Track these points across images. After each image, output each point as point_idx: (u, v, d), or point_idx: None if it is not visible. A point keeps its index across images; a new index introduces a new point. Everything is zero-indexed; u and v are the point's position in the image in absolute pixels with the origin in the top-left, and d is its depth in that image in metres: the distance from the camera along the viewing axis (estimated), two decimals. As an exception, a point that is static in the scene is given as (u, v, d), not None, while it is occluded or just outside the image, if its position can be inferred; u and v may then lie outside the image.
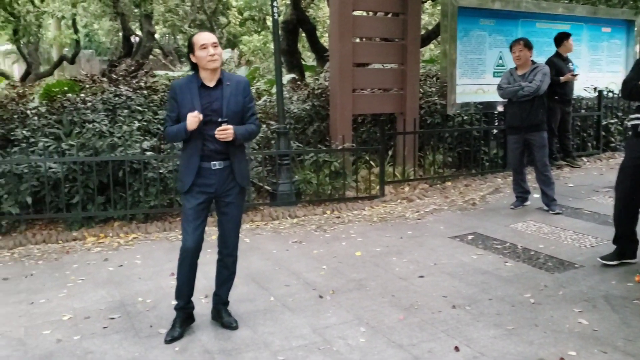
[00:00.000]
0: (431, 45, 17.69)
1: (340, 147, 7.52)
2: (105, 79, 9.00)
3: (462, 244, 5.63)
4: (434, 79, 9.81)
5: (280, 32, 8.66)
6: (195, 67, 3.70)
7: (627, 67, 10.43)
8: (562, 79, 8.29)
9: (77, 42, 18.20)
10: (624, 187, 4.73)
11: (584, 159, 9.62)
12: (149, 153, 6.59)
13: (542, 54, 8.81)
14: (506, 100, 6.84)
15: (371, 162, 8.02)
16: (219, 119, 3.59)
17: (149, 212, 6.59)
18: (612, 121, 10.27)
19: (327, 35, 16.71)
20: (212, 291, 4.03)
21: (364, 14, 10.13)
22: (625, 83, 4.73)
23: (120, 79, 8.68)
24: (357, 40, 8.44)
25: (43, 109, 7.53)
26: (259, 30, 23.59)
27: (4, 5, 10.41)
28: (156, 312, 4.19)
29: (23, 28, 13.55)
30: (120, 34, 18.80)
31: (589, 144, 10.02)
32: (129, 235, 6.17)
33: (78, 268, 5.21)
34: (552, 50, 8.75)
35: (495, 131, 9.10)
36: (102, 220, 6.51)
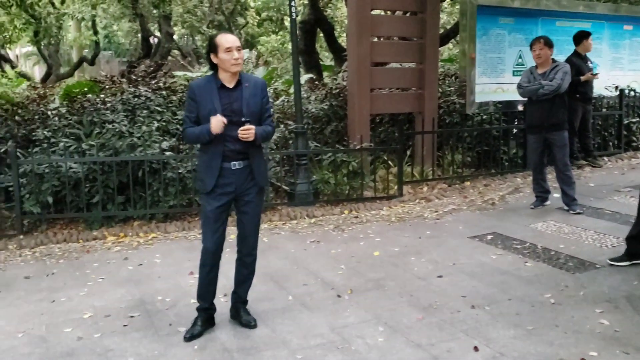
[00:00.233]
0: (450, 45, 17.60)
1: (358, 147, 7.51)
2: (124, 80, 9.07)
3: (481, 244, 5.60)
4: (453, 78, 9.75)
5: (298, 32, 8.67)
6: (214, 67, 3.71)
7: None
8: (582, 78, 8.19)
9: (97, 43, 18.39)
10: None
11: (605, 158, 9.50)
12: (168, 153, 6.63)
13: (562, 52, 8.71)
14: (526, 99, 6.78)
15: (389, 162, 8.00)
16: (242, 119, 3.61)
17: (168, 212, 6.64)
18: (633, 120, 10.13)
19: (345, 35, 16.70)
20: (231, 290, 4.04)
21: (382, 13, 10.10)
22: None
23: (139, 79, 8.74)
24: (375, 39, 8.42)
25: (63, 110, 7.61)
26: (277, 30, 23.66)
27: (25, 8, 10.54)
28: (175, 310, 4.22)
29: (44, 30, 13.72)
30: (139, 35, 18.97)
31: (610, 144, 9.89)
32: (148, 234, 6.22)
33: (98, 267, 5.26)
34: (572, 48, 8.65)
35: (515, 130, 9.03)
36: (122, 220, 6.57)
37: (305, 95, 9.09)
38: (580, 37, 8.56)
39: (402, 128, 7.87)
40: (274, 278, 4.82)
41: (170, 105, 7.79)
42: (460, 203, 7.24)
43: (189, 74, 12.62)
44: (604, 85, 9.82)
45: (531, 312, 4.00)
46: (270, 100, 9.37)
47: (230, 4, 21.48)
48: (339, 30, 18.87)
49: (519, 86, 6.64)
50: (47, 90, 10.00)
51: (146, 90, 7.87)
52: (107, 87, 8.55)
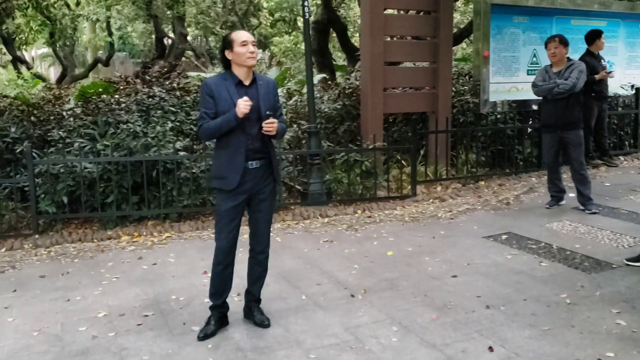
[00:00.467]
0: (463, 44, 17.51)
1: (371, 147, 7.49)
2: (138, 81, 9.12)
3: (495, 244, 5.56)
4: (467, 77, 9.71)
5: (311, 32, 8.67)
6: (228, 65, 3.72)
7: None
8: (596, 77, 8.11)
9: (111, 44, 18.54)
10: None
11: (621, 157, 9.41)
12: (182, 153, 6.66)
13: (577, 51, 8.63)
14: (540, 98, 6.72)
15: (403, 162, 7.97)
16: (266, 112, 3.63)
17: (182, 212, 6.66)
18: (650, 119, 10.02)
19: (358, 35, 16.67)
20: (244, 289, 4.05)
21: (395, 12, 10.07)
22: None
23: (153, 80, 8.78)
24: (388, 38, 8.39)
25: (78, 110, 7.67)
26: (290, 31, 23.68)
27: (41, 10, 10.64)
28: (189, 309, 4.23)
29: (59, 31, 13.85)
30: (154, 36, 19.09)
31: (626, 143, 9.79)
32: (162, 234, 6.24)
33: (113, 266, 5.29)
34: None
35: (529, 130, 8.96)
36: (136, 220, 6.60)
37: (318, 95, 9.09)
38: (593, 36, 8.49)
39: (415, 127, 7.84)
40: (287, 277, 4.82)
41: (184, 105, 7.81)
42: (474, 203, 7.20)
43: (203, 75, 12.67)
44: (619, 83, 9.72)
45: (547, 312, 3.96)
46: (284, 100, 9.42)
47: (243, 5, 21.52)
48: (351, 30, 18.83)
49: (534, 85, 6.59)
50: (63, 91, 10.09)
51: (160, 91, 7.90)
52: (121, 87, 8.60)
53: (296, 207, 7.10)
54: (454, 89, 8.90)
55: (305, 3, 7.19)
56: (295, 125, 8.08)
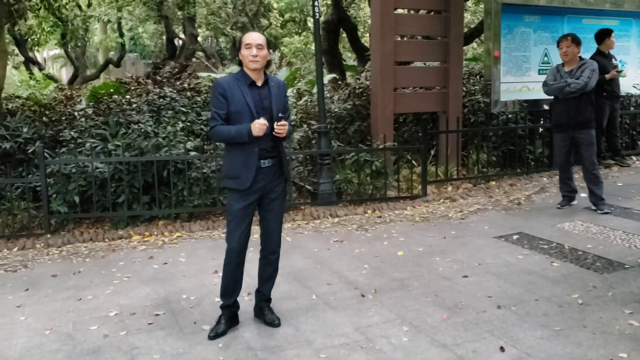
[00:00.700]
0: (474, 44, 17.46)
1: (381, 147, 7.48)
2: (149, 81, 9.17)
3: (507, 244, 5.53)
4: (478, 77, 9.67)
5: (321, 32, 8.66)
6: (242, 64, 3.75)
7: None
8: (607, 76, 8.05)
9: (123, 45, 18.64)
10: None
11: (633, 157, 9.33)
12: (192, 153, 6.68)
13: (589, 50, 8.58)
14: (552, 97, 6.68)
15: (413, 162, 7.95)
16: (279, 115, 3.65)
17: (193, 211, 6.68)
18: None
19: (368, 35, 16.65)
20: (254, 289, 4.05)
21: (406, 12, 10.05)
22: None
23: (164, 80, 8.83)
24: (399, 38, 8.37)
25: (90, 111, 7.72)
26: (300, 31, 23.70)
27: (53, 11, 10.71)
28: (200, 308, 4.24)
29: (71, 32, 13.94)
30: (164, 37, 19.17)
31: (639, 142, 9.70)
32: (173, 233, 6.26)
33: (124, 265, 5.32)
34: (600, 46, 8.52)
35: (540, 129, 8.91)
36: (147, 219, 6.63)
37: (328, 95, 9.09)
38: (603, 35, 8.43)
39: (426, 127, 7.81)
40: (297, 277, 4.82)
41: (194, 106, 7.84)
42: (485, 203, 7.16)
43: (213, 75, 12.70)
44: (632, 83, 9.64)
45: (558, 312, 3.93)
46: (294, 100, 9.43)
47: (253, 6, 21.57)
48: (362, 30, 18.82)
49: (545, 84, 6.56)
50: (74, 92, 10.15)
51: (171, 91, 7.94)
52: (132, 88, 8.65)
53: (306, 207, 7.10)
54: (464, 88, 8.87)
55: (316, 3, 7.19)
56: (305, 125, 8.08)
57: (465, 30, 10.98)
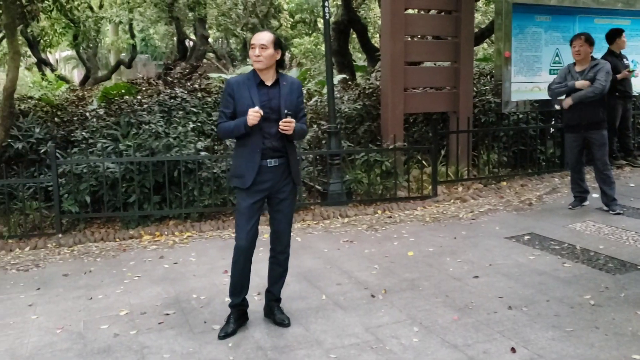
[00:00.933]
0: (484, 45, 17.38)
1: (391, 147, 7.46)
2: (160, 82, 9.20)
3: (518, 245, 5.50)
4: (488, 77, 9.63)
5: (331, 32, 8.66)
6: None
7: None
8: (618, 76, 7.99)
9: (134, 46, 18.72)
10: None
11: (646, 158, 9.25)
12: (203, 153, 6.70)
13: (600, 50, 8.52)
14: (562, 97, 6.62)
15: (423, 162, 7.93)
16: (285, 111, 3.64)
17: (203, 211, 6.70)
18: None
19: (378, 35, 16.64)
20: (264, 289, 4.05)
21: (416, 12, 10.03)
22: None
23: (175, 81, 8.86)
24: (409, 38, 8.35)
25: (101, 111, 7.76)
26: (310, 32, 23.71)
27: (65, 12, 10.78)
28: (210, 308, 4.25)
29: (82, 33, 14.02)
30: (175, 38, 19.23)
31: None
32: (183, 233, 6.28)
33: (135, 265, 5.34)
34: (612, 46, 8.46)
35: (552, 130, 8.86)
36: (157, 219, 6.66)
37: (338, 95, 9.08)
38: (613, 35, 8.37)
39: (436, 127, 7.79)
40: (307, 277, 4.82)
41: (205, 106, 7.87)
42: (496, 203, 7.13)
43: (224, 76, 12.74)
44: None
45: (570, 313, 3.90)
46: (304, 100, 9.43)
47: (264, 7, 21.61)
48: (372, 31, 18.80)
49: (549, 88, 6.54)
50: (86, 93, 10.21)
51: (182, 92, 7.97)
52: (143, 88, 8.68)
53: (316, 207, 7.10)
54: (475, 88, 8.83)
55: (326, 4, 7.19)
56: (315, 126, 8.08)
57: (476, 30, 10.93)
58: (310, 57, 21.78)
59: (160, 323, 4.03)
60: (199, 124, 7.44)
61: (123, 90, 8.82)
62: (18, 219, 6.41)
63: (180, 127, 6.98)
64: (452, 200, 7.34)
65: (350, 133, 8.51)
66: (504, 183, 8.09)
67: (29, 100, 8.61)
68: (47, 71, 17.55)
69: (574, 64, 6.45)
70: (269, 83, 3.72)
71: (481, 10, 17.92)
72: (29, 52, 16.36)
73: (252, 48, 3.66)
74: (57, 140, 7.14)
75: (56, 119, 7.75)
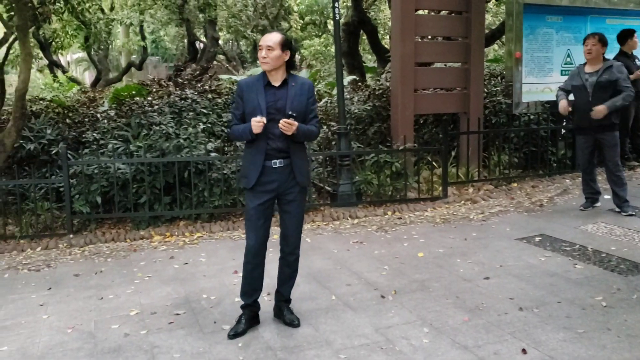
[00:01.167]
0: (495, 46, 17.32)
1: (401, 148, 7.44)
2: (171, 83, 9.24)
3: (529, 246, 5.47)
4: (499, 78, 9.59)
5: (341, 34, 8.66)
6: None
7: None
8: (631, 77, 7.92)
9: (145, 48, 18.82)
10: None
11: (659, 159, 9.18)
12: (213, 154, 6.72)
13: (612, 51, 8.45)
14: (573, 98, 6.57)
15: (433, 163, 7.90)
16: (288, 112, 3.62)
17: (213, 212, 6.71)
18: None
19: (388, 37, 16.61)
20: (274, 289, 4.05)
21: (426, 12, 10.00)
22: None
23: (185, 83, 8.89)
24: (419, 39, 8.33)
25: (112, 113, 7.80)
26: (320, 34, 23.72)
27: (76, 14, 10.85)
28: (220, 308, 4.25)
29: (93, 35, 14.10)
30: (186, 40, 19.32)
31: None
32: (194, 234, 6.30)
33: (145, 265, 5.35)
34: (624, 47, 8.39)
35: (563, 131, 8.81)
36: (168, 220, 6.68)
37: (348, 96, 9.08)
38: (625, 36, 8.31)
39: (446, 128, 7.75)
40: (317, 278, 4.82)
41: (215, 107, 7.90)
42: (507, 204, 7.09)
43: (234, 77, 12.77)
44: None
45: (582, 315, 3.88)
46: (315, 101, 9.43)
47: (274, 9, 21.64)
48: (382, 32, 18.78)
49: (556, 95, 6.53)
50: (97, 94, 10.27)
51: (192, 93, 8.00)
52: (154, 90, 8.72)
53: (326, 208, 7.09)
54: (485, 89, 8.80)
55: (336, 5, 7.19)
56: (325, 127, 8.08)
57: (486, 31, 10.89)
58: (320, 59, 21.80)
59: (170, 323, 4.04)
60: (209, 125, 7.46)
61: (134, 92, 8.86)
62: (30, 220, 6.45)
63: (191, 128, 7.00)
64: (462, 202, 7.31)
65: (360, 134, 8.50)
66: (515, 184, 8.05)
67: (41, 101, 8.68)
68: (59, 73, 17.67)
69: (584, 64, 6.40)
70: (276, 84, 3.72)
71: (492, 11, 17.86)
72: (41, 54, 16.49)
73: (260, 49, 3.68)
74: (68, 141, 7.18)
75: (67, 120, 7.80)
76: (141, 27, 17.84)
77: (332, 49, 16.05)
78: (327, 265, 5.13)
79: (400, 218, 6.73)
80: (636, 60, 8.40)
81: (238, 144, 7.08)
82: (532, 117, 8.67)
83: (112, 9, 16.23)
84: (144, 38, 18.55)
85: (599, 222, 6.10)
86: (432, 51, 8.42)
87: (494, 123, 8.58)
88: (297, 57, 23.78)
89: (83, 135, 7.27)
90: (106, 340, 3.81)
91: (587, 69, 6.33)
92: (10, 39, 7.03)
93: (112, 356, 3.59)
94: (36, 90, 13.18)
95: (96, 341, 3.80)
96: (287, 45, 3.69)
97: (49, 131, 7.21)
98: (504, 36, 10.73)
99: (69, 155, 6.49)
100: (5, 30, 6.88)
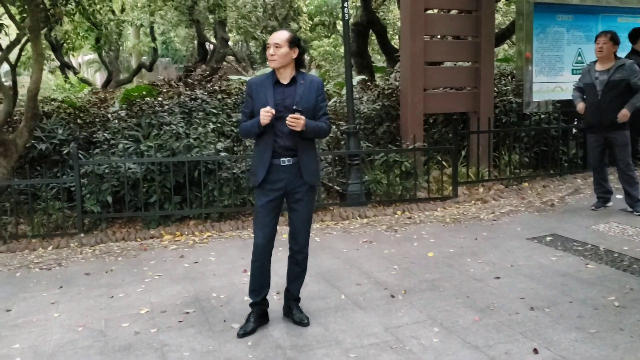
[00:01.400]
0: (505, 46, 17.23)
1: (411, 147, 7.42)
2: (181, 84, 9.27)
3: (540, 246, 5.43)
4: (509, 77, 9.55)
5: (350, 34, 8.66)
6: None
7: None
8: None
9: (155, 50, 18.90)
10: None
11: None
12: (223, 154, 6.72)
13: (624, 49, 8.38)
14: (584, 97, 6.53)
15: (443, 163, 7.88)
16: (294, 107, 3.61)
17: (223, 211, 6.72)
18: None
19: (397, 37, 16.58)
20: (283, 288, 4.05)
21: (436, 12, 9.98)
22: None
23: (195, 83, 8.92)
24: (428, 38, 8.31)
25: (123, 113, 7.84)
26: (329, 34, 23.71)
27: (88, 16, 10.92)
28: (229, 307, 4.26)
29: (104, 37, 14.18)
30: (196, 41, 19.38)
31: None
32: (203, 233, 6.31)
33: (155, 264, 5.37)
34: (636, 46, 8.33)
35: (574, 130, 8.75)
36: (178, 219, 6.69)
37: (357, 96, 9.07)
38: (637, 34, 8.24)
39: (456, 127, 7.73)
40: (326, 277, 4.81)
41: (225, 107, 7.91)
42: (517, 204, 7.06)
43: (244, 78, 12.80)
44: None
45: (594, 314, 3.85)
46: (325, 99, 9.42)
47: (283, 10, 21.66)
48: (391, 32, 18.74)
49: (573, 95, 6.49)
50: (108, 95, 10.32)
51: (202, 93, 8.02)
52: (164, 90, 8.75)
53: (335, 207, 7.08)
54: (495, 89, 8.76)
55: (345, 4, 7.18)
56: (334, 126, 8.07)
57: (496, 31, 10.84)
58: (329, 59, 21.79)
59: (180, 321, 4.05)
60: (219, 125, 7.47)
61: (144, 92, 8.89)
62: (41, 219, 6.49)
63: (201, 128, 7.02)
64: (472, 201, 7.28)
65: (369, 134, 8.49)
66: (526, 184, 8.01)
67: (52, 102, 8.73)
68: (70, 74, 17.78)
69: (595, 62, 6.36)
70: (285, 82, 3.72)
71: (502, 10, 17.78)
72: (53, 56, 16.59)
73: (268, 47, 3.68)
74: (79, 141, 7.22)
75: (79, 121, 7.85)
76: (151, 28, 17.92)
77: (341, 50, 16.03)
78: (337, 265, 5.12)
79: (410, 218, 6.71)
80: None
81: (247, 143, 7.09)
82: (542, 116, 8.62)
83: (122, 10, 16.29)
84: (154, 39, 18.62)
85: (611, 222, 6.05)
86: (442, 50, 8.40)
87: (504, 122, 8.54)
88: (307, 57, 23.79)
89: (94, 135, 7.31)
90: (117, 338, 3.83)
91: (598, 67, 6.29)
92: (23, 40, 7.06)
93: (123, 354, 3.60)
94: (48, 92, 13.26)
95: (107, 339, 3.82)
96: (295, 42, 3.68)
97: (60, 131, 7.25)
98: (514, 36, 10.66)
99: (80, 155, 6.51)
100: (17, 31, 6.91)
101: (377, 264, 5.12)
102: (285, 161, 3.71)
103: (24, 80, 13.71)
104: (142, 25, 16.41)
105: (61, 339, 3.86)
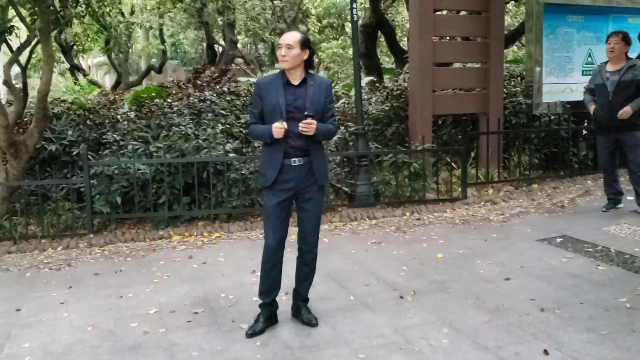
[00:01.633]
0: (514, 47, 17.18)
1: (420, 148, 7.40)
2: (190, 85, 9.30)
3: (550, 247, 5.40)
4: (518, 78, 9.50)
5: (359, 35, 8.64)
6: None
7: None
8: None
9: (164, 52, 18.95)
10: None
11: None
12: (231, 155, 6.73)
13: (635, 50, 8.33)
14: (595, 98, 6.49)
15: (452, 164, 7.85)
16: (305, 113, 3.61)
17: (232, 212, 6.72)
18: None
19: (406, 38, 16.56)
20: (292, 288, 4.04)
21: (445, 13, 9.95)
22: None
23: (204, 84, 8.94)
24: (438, 39, 8.29)
25: (132, 114, 7.86)
26: (337, 36, 23.71)
27: (97, 18, 10.98)
28: (238, 307, 4.26)
29: (114, 39, 14.24)
30: (204, 43, 19.43)
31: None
32: (212, 234, 6.31)
33: (164, 265, 5.38)
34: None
35: (584, 131, 8.70)
36: (187, 220, 6.70)
37: (365, 97, 9.05)
38: None
39: (466, 128, 7.70)
40: (335, 278, 4.80)
41: (234, 108, 7.93)
42: (527, 206, 7.02)
43: (252, 80, 12.82)
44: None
45: (605, 316, 3.81)
46: (333, 100, 9.42)
47: (292, 12, 21.69)
48: (399, 34, 18.72)
49: (584, 98, 6.45)
50: (117, 96, 10.35)
51: (211, 95, 8.03)
52: (173, 92, 8.77)
53: (343, 208, 7.07)
54: (505, 90, 8.72)
55: (354, 6, 7.18)
56: (342, 127, 8.07)
57: (505, 32, 10.80)
58: (338, 61, 21.79)
59: (189, 321, 4.05)
60: (228, 126, 7.48)
61: (153, 94, 8.91)
62: (51, 219, 6.51)
63: (210, 129, 7.03)
64: (482, 203, 7.25)
65: (378, 135, 8.47)
66: (535, 185, 7.97)
67: (62, 103, 8.76)
68: (80, 76, 17.86)
69: (605, 63, 6.32)
70: (295, 83, 3.72)
71: (511, 12, 17.72)
72: (62, 58, 16.67)
73: (279, 48, 3.68)
74: (89, 142, 7.24)
75: (88, 122, 7.87)
76: (161, 30, 17.96)
77: (350, 51, 16.04)
78: (345, 266, 5.11)
79: (419, 219, 6.69)
80: None
81: (256, 144, 7.09)
82: (552, 117, 8.58)
83: (132, 12, 16.35)
84: (163, 41, 18.67)
85: (622, 223, 6.01)
86: (451, 51, 8.37)
87: (513, 124, 8.50)
88: (315, 59, 23.80)
89: (103, 137, 7.33)
90: (126, 338, 3.83)
91: (609, 67, 6.25)
92: (33, 42, 7.10)
93: (132, 354, 3.60)
94: (58, 94, 13.31)
95: (116, 339, 3.82)
96: (306, 44, 3.68)
97: (70, 132, 7.28)
98: (523, 37, 10.63)
99: (89, 156, 6.54)
100: (28, 33, 6.95)
101: (385, 264, 5.10)
102: (296, 161, 3.71)
103: (34, 82, 13.77)
104: (151, 27, 16.46)
105: (70, 338, 3.87)
